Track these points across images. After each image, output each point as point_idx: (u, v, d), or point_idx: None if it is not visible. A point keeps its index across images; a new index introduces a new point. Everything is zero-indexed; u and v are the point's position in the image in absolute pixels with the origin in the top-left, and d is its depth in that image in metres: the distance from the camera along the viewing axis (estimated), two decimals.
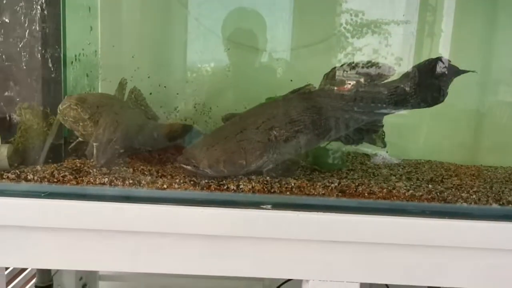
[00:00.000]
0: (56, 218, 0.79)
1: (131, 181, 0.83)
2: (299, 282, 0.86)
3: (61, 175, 0.83)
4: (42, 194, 0.80)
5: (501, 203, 0.85)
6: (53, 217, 0.79)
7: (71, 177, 0.83)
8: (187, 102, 1.27)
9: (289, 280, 1.33)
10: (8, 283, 1.19)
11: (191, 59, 1.29)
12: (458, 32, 1.27)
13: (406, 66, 1.27)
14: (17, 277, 1.31)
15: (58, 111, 0.87)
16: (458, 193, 0.87)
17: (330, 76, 1.00)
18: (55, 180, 0.83)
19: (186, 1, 1.25)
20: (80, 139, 0.94)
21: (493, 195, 0.87)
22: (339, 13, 1.28)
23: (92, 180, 0.83)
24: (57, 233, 0.81)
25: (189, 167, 0.86)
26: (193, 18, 1.24)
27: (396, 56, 1.27)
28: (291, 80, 1.15)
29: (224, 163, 0.86)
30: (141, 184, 0.83)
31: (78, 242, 0.81)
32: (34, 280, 1.36)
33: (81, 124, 0.88)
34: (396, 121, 1.27)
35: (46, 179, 0.82)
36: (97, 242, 0.81)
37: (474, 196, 0.86)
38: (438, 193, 0.87)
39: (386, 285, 1.23)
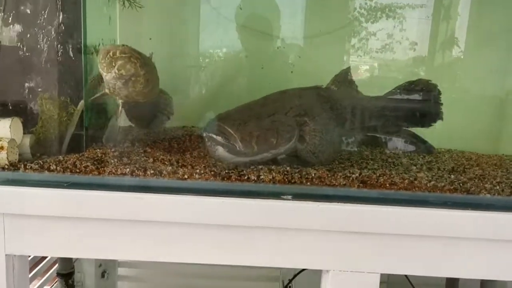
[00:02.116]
0: (78, 208, 0.80)
1: (151, 171, 0.83)
2: (316, 271, 0.86)
3: (83, 165, 0.84)
4: (65, 184, 0.81)
5: None
6: (75, 207, 0.80)
7: (93, 167, 0.84)
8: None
9: (304, 269, 1.34)
10: (30, 270, 1.21)
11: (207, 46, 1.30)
12: (475, 16, 1.24)
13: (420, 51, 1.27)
14: (39, 264, 1.33)
15: (107, 59, 0.81)
16: (481, 184, 0.86)
17: (338, 78, 1.09)
18: (77, 170, 0.83)
19: None
20: (105, 91, 0.88)
21: None
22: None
23: (113, 171, 0.83)
24: (79, 223, 0.82)
25: (219, 138, 0.85)
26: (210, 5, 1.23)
27: (411, 41, 1.25)
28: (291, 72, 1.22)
29: (257, 138, 0.86)
30: (162, 174, 0.83)
31: (100, 231, 0.82)
32: (55, 267, 1.39)
33: (132, 79, 0.82)
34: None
35: (68, 170, 0.83)
36: (118, 232, 0.82)
37: (497, 187, 0.85)
38: (461, 184, 0.85)
39: (406, 275, 1.23)
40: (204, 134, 0.87)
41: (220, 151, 0.86)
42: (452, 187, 0.84)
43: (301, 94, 1.01)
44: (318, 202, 0.79)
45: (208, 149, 0.89)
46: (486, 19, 1.26)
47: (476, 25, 1.25)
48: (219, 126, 0.87)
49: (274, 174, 0.84)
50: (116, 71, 0.82)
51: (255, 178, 0.83)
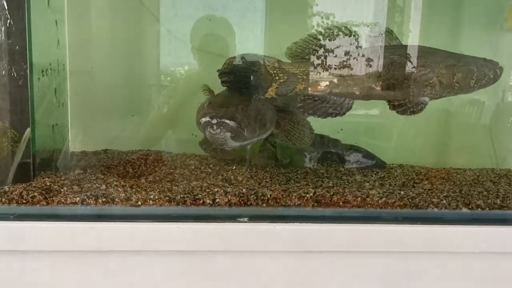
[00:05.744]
0: (26, 241, 0.76)
1: (104, 199, 0.81)
2: None
3: (30, 195, 0.80)
4: (11, 216, 0.77)
5: (470, 207, 0.88)
6: (22, 240, 0.76)
7: (41, 197, 0.81)
8: None
9: None
10: None
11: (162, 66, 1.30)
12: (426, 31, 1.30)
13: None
14: None
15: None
16: (429, 199, 0.89)
17: None
18: (24, 201, 0.80)
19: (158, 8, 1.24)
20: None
21: (463, 199, 0.90)
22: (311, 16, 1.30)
23: (63, 200, 0.80)
24: (27, 256, 0.78)
25: (232, 123, 0.84)
26: (165, 30, 1.23)
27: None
28: None
29: (260, 123, 0.89)
30: (115, 202, 0.81)
31: (50, 264, 0.79)
32: None
33: None
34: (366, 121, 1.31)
35: (14, 201, 0.80)
36: (69, 264, 0.79)
37: (444, 201, 0.88)
38: (410, 199, 0.88)
39: None
40: (215, 121, 0.84)
41: (228, 137, 0.85)
42: (402, 203, 0.87)
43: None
44: (274, 223, 0.80)
45: (212, 136, 0.86)
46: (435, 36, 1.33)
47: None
48: (227, 112, 0.85)
49: (229, 197, 0.84)
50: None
51: (211, 202, 0.82)
